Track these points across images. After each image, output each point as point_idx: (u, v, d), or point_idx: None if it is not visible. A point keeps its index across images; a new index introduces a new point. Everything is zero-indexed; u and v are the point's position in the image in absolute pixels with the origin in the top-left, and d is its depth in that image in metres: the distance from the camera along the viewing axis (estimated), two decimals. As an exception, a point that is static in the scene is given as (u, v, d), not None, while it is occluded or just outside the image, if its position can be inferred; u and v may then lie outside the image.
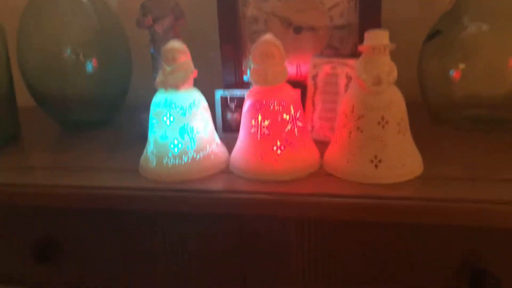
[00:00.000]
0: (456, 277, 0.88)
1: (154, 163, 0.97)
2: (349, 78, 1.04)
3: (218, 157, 1.00)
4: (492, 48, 1.03)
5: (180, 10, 1.15)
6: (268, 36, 0.95)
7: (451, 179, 0.90)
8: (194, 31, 1.38)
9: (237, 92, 1.10)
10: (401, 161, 0.91)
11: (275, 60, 0.94)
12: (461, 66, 1.05)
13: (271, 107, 0.94)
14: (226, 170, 0.99)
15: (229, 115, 1.12)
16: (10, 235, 1.05)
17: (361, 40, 1.03)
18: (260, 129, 0.94)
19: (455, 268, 0.88)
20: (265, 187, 0.91)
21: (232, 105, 1.10)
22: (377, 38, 0.91)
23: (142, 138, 1.07)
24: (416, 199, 0.85)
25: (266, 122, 0.94)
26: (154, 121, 0.98)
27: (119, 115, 1.37)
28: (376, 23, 1.04)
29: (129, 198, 0.94)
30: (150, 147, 0.99)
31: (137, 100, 1.30)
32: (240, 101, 1.09)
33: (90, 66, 1.22)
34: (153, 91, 0.99)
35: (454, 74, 1.05)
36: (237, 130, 1.01)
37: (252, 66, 0.96)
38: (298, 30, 1.11)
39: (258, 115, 0.94)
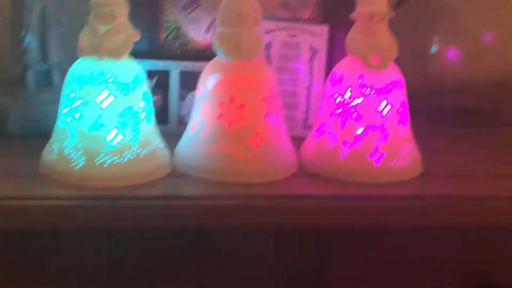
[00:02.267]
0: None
1: (81, 162, 0.70)
2: (314, 51, 0.87)
3: (164, 155, 0.76)
4: (475, 21, 0.94)
5: None
6: None
7: (451, 177, 0.81)
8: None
9: (157, 65, 0.86)
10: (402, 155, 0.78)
11: (249, 24, 0.74)
12: (437, 39, 0.96)
13: (248, 86, 0.74)
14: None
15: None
16: None
17: None
18: (233, 115, 0.73)
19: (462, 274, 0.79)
20: (242, 190, 0.73)
21: (152, 84, 0.86)
22: (376, 4, 0.78)
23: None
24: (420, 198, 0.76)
25: (241, 106, 0.73)
26: (78, 102, 0.71)
27: None
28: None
29: (50, 211, 0.68)
30: (70, 140, 0.72)
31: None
32: (164, 78, 0.85)
33: None
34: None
35: (428, 49, 0.96)
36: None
37: (217, 30, 0.75)
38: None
39: (230, 96, 0.73)
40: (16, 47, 0.84)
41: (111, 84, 0.71)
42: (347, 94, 0.77)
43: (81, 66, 0.73)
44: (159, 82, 0.84)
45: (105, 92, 0.71)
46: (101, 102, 0.71)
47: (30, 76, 0.85)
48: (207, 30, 0.91)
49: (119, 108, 0.72)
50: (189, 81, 0.86)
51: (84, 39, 0.73)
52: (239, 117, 0.74)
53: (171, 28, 0.90)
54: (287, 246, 0.75)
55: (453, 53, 0.97)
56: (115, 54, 0.72)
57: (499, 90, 0.98)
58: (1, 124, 0.84)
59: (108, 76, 0.72)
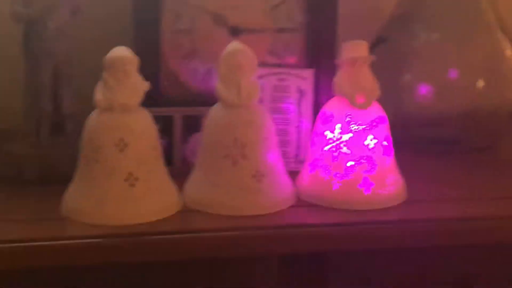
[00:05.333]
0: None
1: (102, 203, 0.77)
2: (301, 93, 0.93)
3: (175, 193, 0.82)
4: (443, 60, 1.01)
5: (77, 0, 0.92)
6: (237, 45, 0.82)
7: (434, 201, 0.87)
8: (96, 30, 1.11)
9: (160, 112, 0.90)
10: (389, 184, 0.84)
11: (247, 73, 0.81)
12: (411, 78, 1.02)
13: (249, 128, 0.80)
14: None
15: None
16: None
17: (312, 45, 0.96)
18: (236, 154, 0.80)
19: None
20: (251, 222, 0.79)
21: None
22: (358, 50, 0.84)
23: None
24: (409, 221, 0.82)
25: (244, 146, 0.80)
26: (97, 148, 0.77)
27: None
28: (330, 26, 0.95)
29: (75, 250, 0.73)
30: (91, 183, 0.77)
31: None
32: (165, 123, 0.91)
33: None
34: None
35: (404, 87, 1.01)
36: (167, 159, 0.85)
37: (219, 79, 0.82)
38: (235, 31, 0.95)
39: (234, 137, 0.80)
40: (31, 100, 0.89)
41: (126, 131, 0.77)
42: (337, 131, 0.83)
43: (98, 117, 0.78)
44: (163, 126, 0.88)
45: (121, 140, 0.76)
46: (120, 148, 0.76)
47: (44, 126, 0.89)
48: (204, 77, 0.96)
49: (135, 153, 0.77)
50: (191, 125, 0.91)
51: (99, 92, 0.78)
52: (242, 156, 0.80)
53: (171, 78, 0.95)
54: (291, 271, 0.81)
55: (424, 89, 1.02)
56: (128, 105, 0.77)
57: (467, 120, 1.03)
58: (19, 172, 0.88)
59: (123, 125, 0.77)
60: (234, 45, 0.82)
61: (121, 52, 0.78)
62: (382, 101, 0.86)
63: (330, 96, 0.87)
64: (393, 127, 0.88)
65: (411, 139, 1.04)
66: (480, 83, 1.02)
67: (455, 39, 1.01)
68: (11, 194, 0.85)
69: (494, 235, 0.83)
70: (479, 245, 0.83)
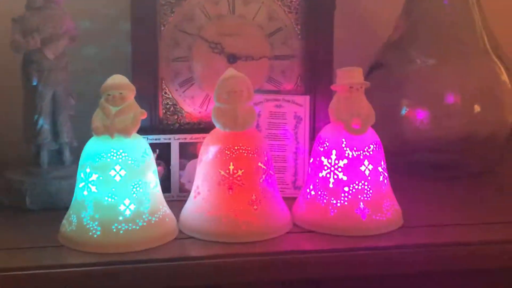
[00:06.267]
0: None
1: (98, 231, 0.77)
2: (298, 119, 0.93)
3: (172, 220, 0.82)
4: (440, 85, 1.01)
5: (75, 29, 0.93)
6: (233, 72, 0.83)
7: (431, 226, 0.87)
8: (94, 59, 1.12)
9: (158, 138, 0.92)
10: (385, 209, 0.84)
11: (243, 99, 0.82)
12: (407, 103, 1.02)
13: (245, 154, 0.81)
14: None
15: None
16: None
17: (308, 72, 0.97)
18: (233, 180, 0.80)
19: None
20: (245, 249, 0.79)
21: (154, 155, 0.91)
22: (353, 77, 0.85)
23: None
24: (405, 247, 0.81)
25: (240, 172, 0.80)
26: (94, 177, 0.77)
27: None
28: (326, 52, 0.96)
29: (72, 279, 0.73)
30: (86, 212, 0.77)
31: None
32: (164, 150, 0.91)
33: None
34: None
35: (400, 112, 1.01)
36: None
37: (215, 106, 0.82)
38: (232, 59, 0.96)
39: (230, 164, 0.80)
40: (30, 129, 0.90)
41: (123, 159, 0.77)
42: (333, 156, 0.83)
43: (95, 144, 0.78)
44: (161, 153, 0.89)
45: (118, 167, 0.77)
46: (114, 176, 0.77)
47: (43, 155, 0.90)
48: (201, 104, 0.97)
49: (131, 181, 0.77)
50: (187, 152, 0.92)
51: (96, 119, 0.79)
52: (238, 183, 0.80)
53: (169, 105, 0.97)
54: None
55: (421, 114, 1.02)
56: (125, 132, 0.78)
57: (464, 145, 1.03)
58: (19, 200, 0.88)
59: (120, 152, 0.77)
60: (230, 71, 0.83)
61: (118, 79, 0.78)
62: (379, 126, 0.86)
63: (327, 122, 0.88)
64: (390, 153, 0.88)
65: (409, 164, 1.05)
66: (477, 108, 1.02)
67: (451, 64, 1.02)
68: (12, 222, 0.86)
69: (494, 260, 0.82)
70: (477, 270, 0.83)
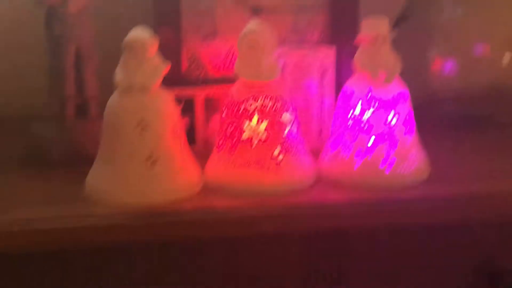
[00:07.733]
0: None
1: (124, 183, 0.77)
2: (323, 70, 0.92)
3: (197, 171, 0.83)
4: (468, 35, 1.00)
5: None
6: (257, 23, 0.81)
7: (459, 178, 0.86)
8: (116, 12, 1.12)
9: (181, 92, 0.91)
10: (411, 161, 0.83)
11: (266, 50, 0.80)
12: (435, 54, 1.01)
13: (270, 105, 0.80)
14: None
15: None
16: None
17: (333, 23, 0.96)
18: (257, 132, 0.80)
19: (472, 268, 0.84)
20: (271, 201, 0.79)
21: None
22: (378, 27, 0.83)
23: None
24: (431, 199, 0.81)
25: (264, 124, 0.80)
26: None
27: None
28: (352, 3, 0.95)
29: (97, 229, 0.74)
30: (113, 163, 0.78)
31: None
32: (187, 104, 0.91)
33: None
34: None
35: (429, 63, 1.00)
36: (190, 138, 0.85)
37: (238, 58, 0.81)
38: (256, 11, 0.95)
39: (254, 115, 0.80)
40: (54, 84, 0.90)
41: (147, 112, 0.77)
42: (358, 107, 0.82)
43: (118, 98, 0.79)
44: (186, 106, 0.89)
45: (142, 120, 0.77)
46: (141, 128, 0.77)
47: (69, 109, 0.90)
48: (225, 57, 0.97)
49: (156, 133, 0.77)
50: (212, 105, 0.92)
51: (119, 74, 0.78)
52: (263, 134, 0.79)
53: (192, 58, 0.96)
54: (312, 249, 0.81)
55: (449, 66, 1.02)
56: (148, 85, 0.78)
57: (494, 95, 1.02)
58: (45, 154, 0.89)
59: (143, 105, 0.77)
60: (254, 23, 0.81)
61: (141, 33, 0.78)
62: (407, 78, 0.85)
63: (352, 73, 0.86)
64: (418, 104, 0.87)
65: (437, 116, 1.03)
66: (506, 57, 1.00)
67: (480, 13, 1.00)
68: (36, 176, 0.86)
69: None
70: (506, 223, 0.82)
